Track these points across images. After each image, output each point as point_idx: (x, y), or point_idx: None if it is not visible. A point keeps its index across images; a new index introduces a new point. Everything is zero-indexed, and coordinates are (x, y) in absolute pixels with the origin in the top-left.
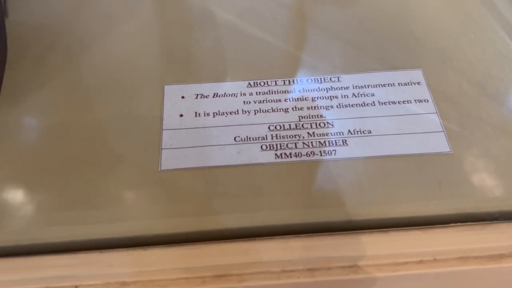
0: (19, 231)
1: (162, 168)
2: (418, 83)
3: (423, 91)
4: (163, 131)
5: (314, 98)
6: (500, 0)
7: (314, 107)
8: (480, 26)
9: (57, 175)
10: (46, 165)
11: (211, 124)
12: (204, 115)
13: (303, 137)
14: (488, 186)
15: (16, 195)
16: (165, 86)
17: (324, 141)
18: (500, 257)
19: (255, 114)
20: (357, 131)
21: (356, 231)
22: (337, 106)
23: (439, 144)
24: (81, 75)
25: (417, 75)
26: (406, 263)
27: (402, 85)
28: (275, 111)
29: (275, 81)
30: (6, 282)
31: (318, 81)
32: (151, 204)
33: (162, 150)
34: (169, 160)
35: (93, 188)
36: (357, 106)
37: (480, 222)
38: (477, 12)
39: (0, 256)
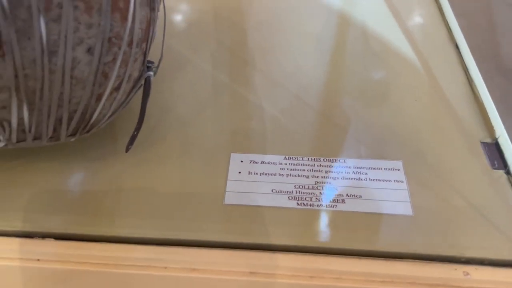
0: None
1: (225, 202)
2: (398, 170)
3: (400, 175)
4: (228, 181)
5: (327, 171)
6: (466, 110)
7: (326, 177)
8: (452, 130)
9: None
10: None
11: (258, 180)
12: (254, 174)
13: (316, 194)
14: (431, 239)
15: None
16: (232, 153)
17: (330, 198)
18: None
19: (286, 177)
20: (352, 195)
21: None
22: (341, 178)
23: (406, 209)
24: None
25: (398, 164)
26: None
27: (387, 169)
28: (299, 176)
29: (302, 158)
30: None
31: (331, 161)
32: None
33: (226, 192)
34: (230, 198)
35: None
36: (354, 179)
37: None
38: (448, 120)
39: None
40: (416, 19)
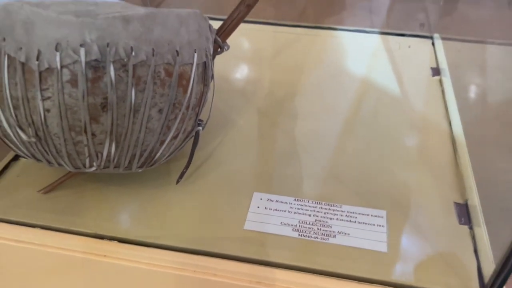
0: None
1: (245, 228)
2: (381, 217)
3: (382, 221)
4: (249, 212)
5: (325, 212)
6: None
7: (324, 217)
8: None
9: None
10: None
11: (271, 214)
12: (269, 209)
13: (314, 229)
14: (403, 270)
15: None
16: (254, 192)
17: (324, 233)
18: None
19: (293, 213)
20: (342, 232)
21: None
22: (335, 219)
23: (382, 247)
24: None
25: (382, 213)
26: None
27: (372, 216)
28: (303, 214)
29: (307, 200)
30: None
31: (329, 205)
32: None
33: (246, 220)
34: (249, 225)
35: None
36: (345, 221)
37: None
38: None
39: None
40: (418, 97)
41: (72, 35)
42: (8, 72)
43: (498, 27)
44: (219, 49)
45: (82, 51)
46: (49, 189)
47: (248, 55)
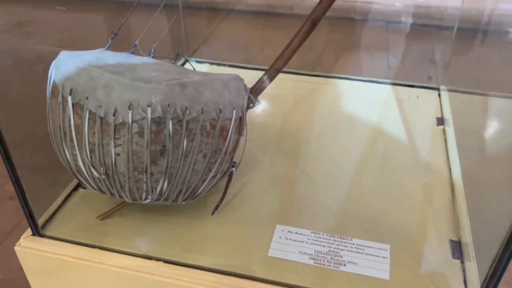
0: None
1: (268, 255)
2: (385, 250)
3: (386, 254)
4: (272, 241)
5: (338, 244)
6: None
7: (336, 248)
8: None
9: None
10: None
11: (291, 244)
12: (289, 240)
13: (328, 258)
14: None
15: None
16: (277, 224)
17: (336, 262)
18: None
19: (310, 244)
20: (351, 262)
21: None
22: (346, 250)
23: (385, 275)
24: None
25: (386, 246)
26: None
27: (378, 249)
28: (318, 245)
29: (322, 233)
30: None
31: (342, 238)
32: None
33: (270, 248)
34: (272, 252)
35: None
36: (355, 252)
37: None
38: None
39: None
40: (423, 145)
41: (142, 98)
42: (88, 123)
43: (501, 80)
44: (251, 104)
45: (149, 110)
46: (105, 216)
47: (272, 102)
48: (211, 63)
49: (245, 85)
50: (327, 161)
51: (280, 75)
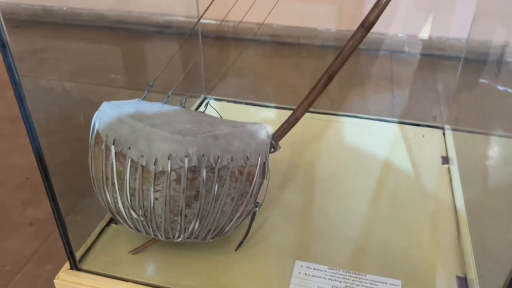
0: None
1: None
2: (397, 285)
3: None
4: (292, 276)
5: (353, 280)
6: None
7: (352, 283)
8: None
9: None
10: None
11: (309, 279)
12: (307, 275)
13: None
14: None
15: None
16: (296, 260)
17: None
18: None
19: (327, 280)
20: None
21: None
22: (361, 286)
23: None
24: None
25: (398, 282)
26: None
27: (390, 284)
28: (335, 281)
29: (339, 269)
30: None
31: (357, 274)
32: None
33: (290, 284)
34: (292, 287)
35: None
36: (368, 287)
37: None
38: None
39: None
40: (430, 183)
41: (180, 149)
42: (130, 171)
43: (505, 120)
44: (272, 149)
45: (186, 160)
46: (137, 251)
47: (287, 140)
48: (228, 101)
49: (267, 132)
50: (341, 197)
51: (286, 112)
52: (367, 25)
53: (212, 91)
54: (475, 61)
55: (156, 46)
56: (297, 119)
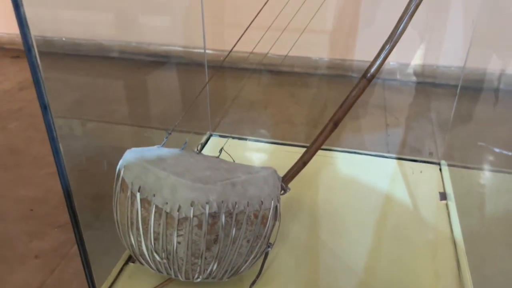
0: None
1: None
2: None
3: None
4: None
5: None
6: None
7: None
8: None
9: None
10: None
11: None
12: None
13: None
14: None
15: None
16: None
17: None
18: None
19: None
20: None
21: None
22: None
23: None
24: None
25: None
26: None
27: None
28: None
29: None
30: None
31: None
32: None
33: None
34: None
35: None
36: None
37: None
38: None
39: None
40: (429, 219)
41: (201, 196)
42: (155, 216)
43: (498, 155)
44: (282, 191)
45: (207, 207)
46: None
47: None
48: (233, 137)
49: (278, 176)
50: (345, 233)
51: (292, 149)
52: (369, 76)
53: (217, 128)
54: (472, 90)
55: (157, 76)
56: (305, 163)
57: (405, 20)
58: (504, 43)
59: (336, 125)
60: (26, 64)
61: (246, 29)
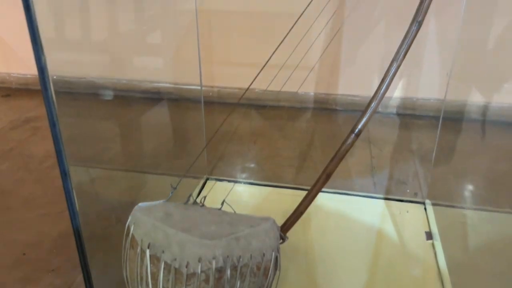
0: None
1: None
2: None
3: None
4: None
5: None
6: None
7: None
8: None
9: None
10: None
11: None
12: None
13: None
14: None
15: None
16: None
17: None
18: None
19: None
20: None
21: None
22: None
23: None
24: None
25: None
26: None
27: None
28: None
29: None
30: None
31: None
32: None
33: None
34: None
35: None
36: None
37: None
38: None
39: None
40: (416, 258)
41: (208, 252)
42: (163, 272)
43: (482, 194)
44: (281, 241)
45: (213, 262)
46: None
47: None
48: (229, 181)
49: (277, 226)
50: (338, 276)
51: (282, 191)
52: (357, 132)
53: (213, 171)
54: (452, 121)
55: (149, 113)
56: (301, 213)
57: (386, 81)
58: (483, 76)
59: (328, 176)
60: (16, 102)
61: (262, 68)
